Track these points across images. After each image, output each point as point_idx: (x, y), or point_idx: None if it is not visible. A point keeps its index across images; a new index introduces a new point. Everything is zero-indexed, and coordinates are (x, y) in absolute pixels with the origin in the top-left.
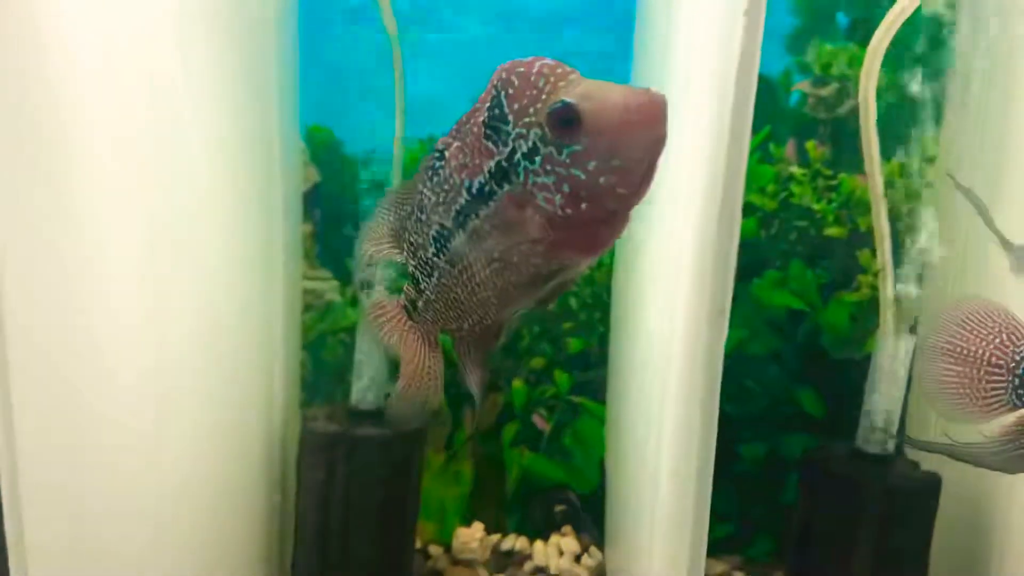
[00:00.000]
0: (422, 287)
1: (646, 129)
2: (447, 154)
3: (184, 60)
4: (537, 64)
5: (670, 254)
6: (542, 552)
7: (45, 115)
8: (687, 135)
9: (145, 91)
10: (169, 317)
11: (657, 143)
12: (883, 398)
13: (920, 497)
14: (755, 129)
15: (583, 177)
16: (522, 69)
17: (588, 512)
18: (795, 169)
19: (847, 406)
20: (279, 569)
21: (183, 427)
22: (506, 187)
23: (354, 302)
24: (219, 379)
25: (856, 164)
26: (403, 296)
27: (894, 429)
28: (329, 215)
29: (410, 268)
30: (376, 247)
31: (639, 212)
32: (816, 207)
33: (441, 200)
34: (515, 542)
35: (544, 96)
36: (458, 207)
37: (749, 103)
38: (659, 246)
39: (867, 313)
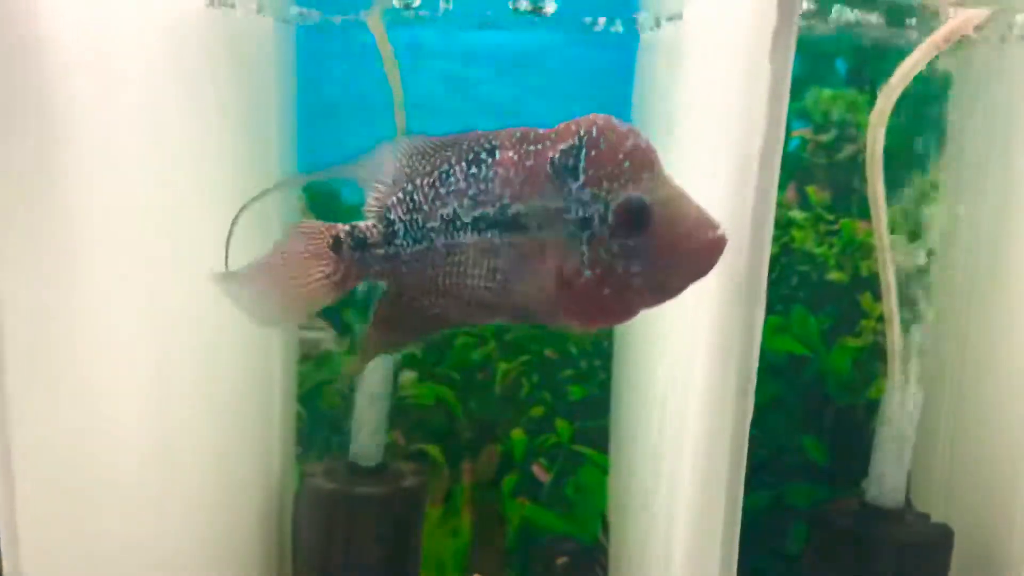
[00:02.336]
0: (396, 241)
1: (701, 261)
2: (498, 157)
3: (185, 105)
4: (629, 139)
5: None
6: None
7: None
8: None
9: (144, 131)
10: (168, 372)
11: (702, 276)
12: (893, 451)
13: (933, 551)
14: None
15: (619, 271)
16: (613, 136)
17: (590, 563)
18: (796, 214)
19: (852, 453)
20: None
21: (180, 483)
22: (544, 230)
23: (351, 351)
24: (217, 431)
25: (856, 209)
26: (348, 229)
27: (903, 483)
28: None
29: (394, 216)
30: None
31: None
32: (817, 251)
33: (469, 192)
34: None
35: (623, 178)
36: (484, 212)
37: (775, 160)
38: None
39: (871, 358)
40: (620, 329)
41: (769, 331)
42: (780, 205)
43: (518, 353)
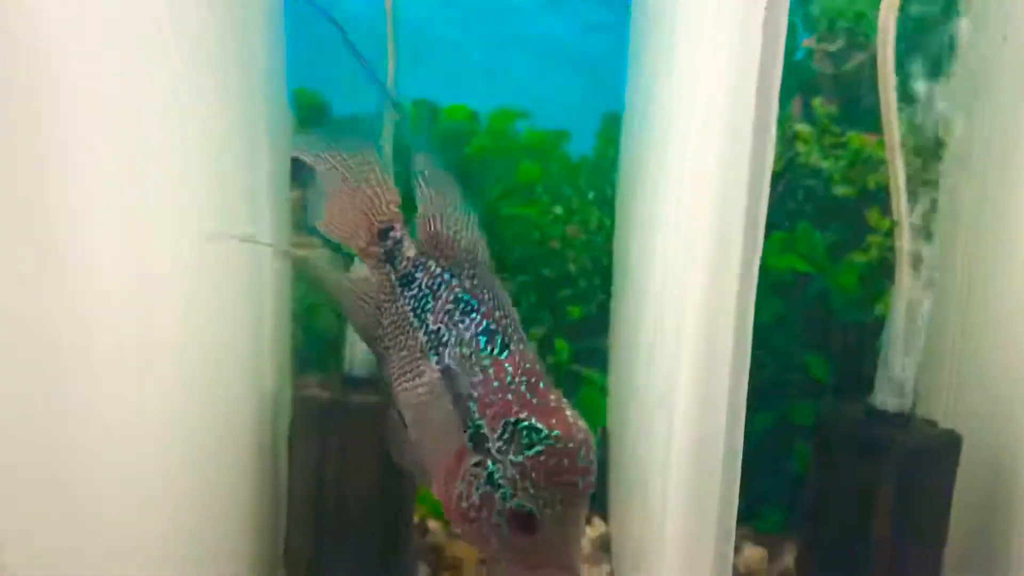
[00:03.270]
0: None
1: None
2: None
3: (171, 18)
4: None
5: (679, 220)
6: None
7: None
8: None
9: (129, 47)
10: (153, 286)
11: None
12: (900, 354)
13: (941, 456)
14: None
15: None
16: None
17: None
18: (801, 127)
19: (857, 371)
20: (271, 537)
21: (166, 394)
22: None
23: (346, 269)
24: (207, 345)
25: (864, 122)
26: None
27: (911, 387)
28: (318, 181)
29: None
30: None
31: None
32: (824, 165)
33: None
34: None
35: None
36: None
37: (777, 61)
38: (667, 212)
39: (877, 274)
40: (619, 248)
41: (774, 248)
42: (785, 118)
43: (516, 273)
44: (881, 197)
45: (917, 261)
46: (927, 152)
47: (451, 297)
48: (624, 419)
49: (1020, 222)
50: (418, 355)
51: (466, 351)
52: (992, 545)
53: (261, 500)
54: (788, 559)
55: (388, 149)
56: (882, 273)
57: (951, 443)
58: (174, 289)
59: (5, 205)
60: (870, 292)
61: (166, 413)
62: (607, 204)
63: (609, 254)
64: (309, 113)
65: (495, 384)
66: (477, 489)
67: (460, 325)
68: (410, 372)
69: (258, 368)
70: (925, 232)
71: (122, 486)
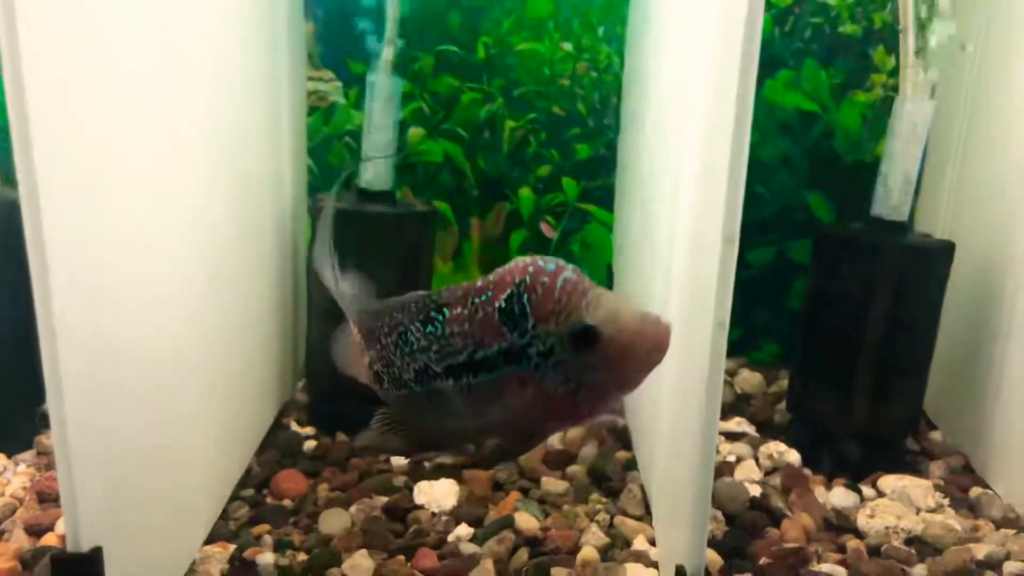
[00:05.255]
0: (383, 385)
1: (653, 354)
2: (447, 314)
3: None
4: (561, 280)
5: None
6: None
7: None
8: None
9: None
10: (179, 118)
11: (660, 361)
12: (900, 162)
13: (933, 261)
14: None
15: (590, 380)
16: (546, 280)
17: None
18: None
19: (857, 210)
20: (292, 348)
21: (197, 209)
22: (512, 367)
23: (357, 105)
24: (230, 177)
25: None
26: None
27: (911, 190)
28: (331, 13)
29: (377, 368)
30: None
31: None
32: (832, 2)
33: (433, 348)
34: None
35: (566, 313)
36: (454, 362)
37: None
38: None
39: (880, 114)
40: (627, 80)
41: (780, 87)
42: None
43: (526, 111)
44: (887, 37)
45: (920, 73)
46: None
47: (396, 353)
48: (629, 253)
49: (1021, 48)
50: (439, 392)
51: (440, 348)
52: (976, 352)
53: (284, 313)
54: (783, 384)
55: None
56: (885, 113)
57: (944, 251)
58: (196, 119)
59: None
60: (872, 132)
61: (200, 226)
62: (617, 40)
63: (618, 93)
64: None
65: (469, 328)
66: (561, 385)
67: (418, 350)
68: (442, 405)
69: (279, 192)
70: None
71: (163, 287)
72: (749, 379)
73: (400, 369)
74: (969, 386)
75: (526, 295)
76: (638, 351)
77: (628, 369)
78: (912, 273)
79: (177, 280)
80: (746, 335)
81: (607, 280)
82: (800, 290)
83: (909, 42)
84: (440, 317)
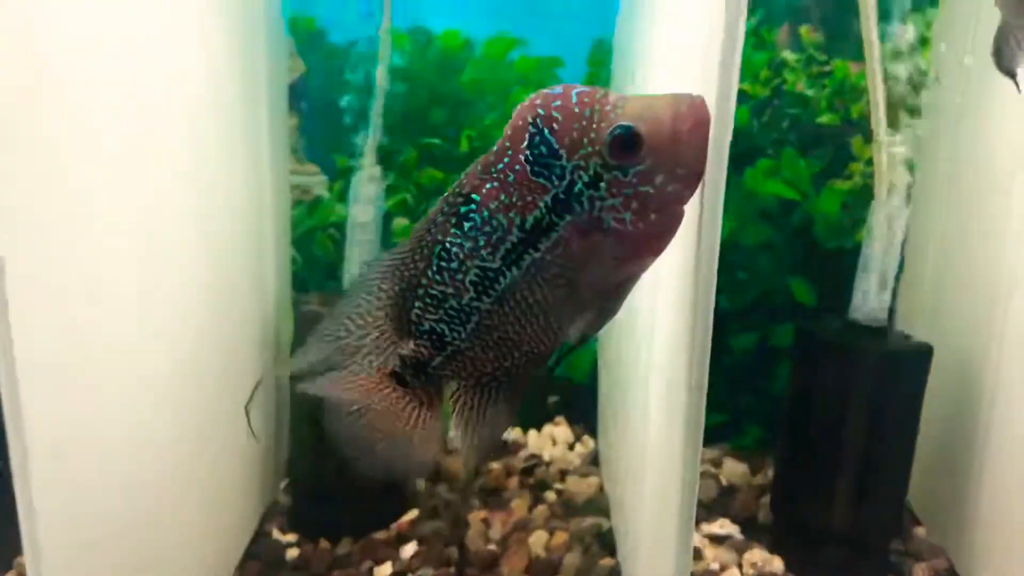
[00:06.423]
0: (448, 340)
1: (698, 133)
2: (481, 196)
3: None
4: (575, 94)
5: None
6: (535, 441)
7: None
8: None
9: None
10: (157, 213)
11: (707, 139)
12: (878, 265)
13: (912, 364)
14: (748, 13)
15: (652, 191)
16: (560, 102)
17: (581, 402)
18: (788, 55)
19: (838, 296)
20: (275, 450)
21: (176, 309)
22: (568, 217)
23: (342, 198)
24: (210, 271)
25: (849, 50)
26: (398, 363)
27: (888, 295)
28: (315, 107)
29: (426, 326)
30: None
31: None
32: (809, 94)
33: (481, 243)
34: (510, 432)
35: (595, 125)
36: (508, 246)
37: None
38: None
39: (859, 201)
40: None
41: (760, 175)
42: (772, 46)
43: None
44: (864, 126)
45: (896, 179)
46: (910, 80)
47: (445, 278)
48: (612, 342)
49: (998, 146)
50: (510, 290)
51: (489, 240)
52: (956, 452)
53: (266, 411)
54: (768, 473)
55: (383, 72)
56: (864, 200)
57: (923, 353)
58: (176, 214)
59: None
60: (852, 219)
61: (179, 326)
62: None
63: None
64: (305, 39)
65: (508, 197)
66: (616, 212)
67: (466, 257)
68: (523, 300)
69: (261, 287)
70: (906, 156)
71: (138, 389)
72: (734, 469)
73: (459, 293)
74: (951, 485)
75: (546, 129)
76: (684, 135)
77: (684, 160)
78: (890, 377)
79: (157, 384)
80: (730, 420)
81: (592, 369)
82: (783, 374)
83: (882, 150)
84: (473, 205)
